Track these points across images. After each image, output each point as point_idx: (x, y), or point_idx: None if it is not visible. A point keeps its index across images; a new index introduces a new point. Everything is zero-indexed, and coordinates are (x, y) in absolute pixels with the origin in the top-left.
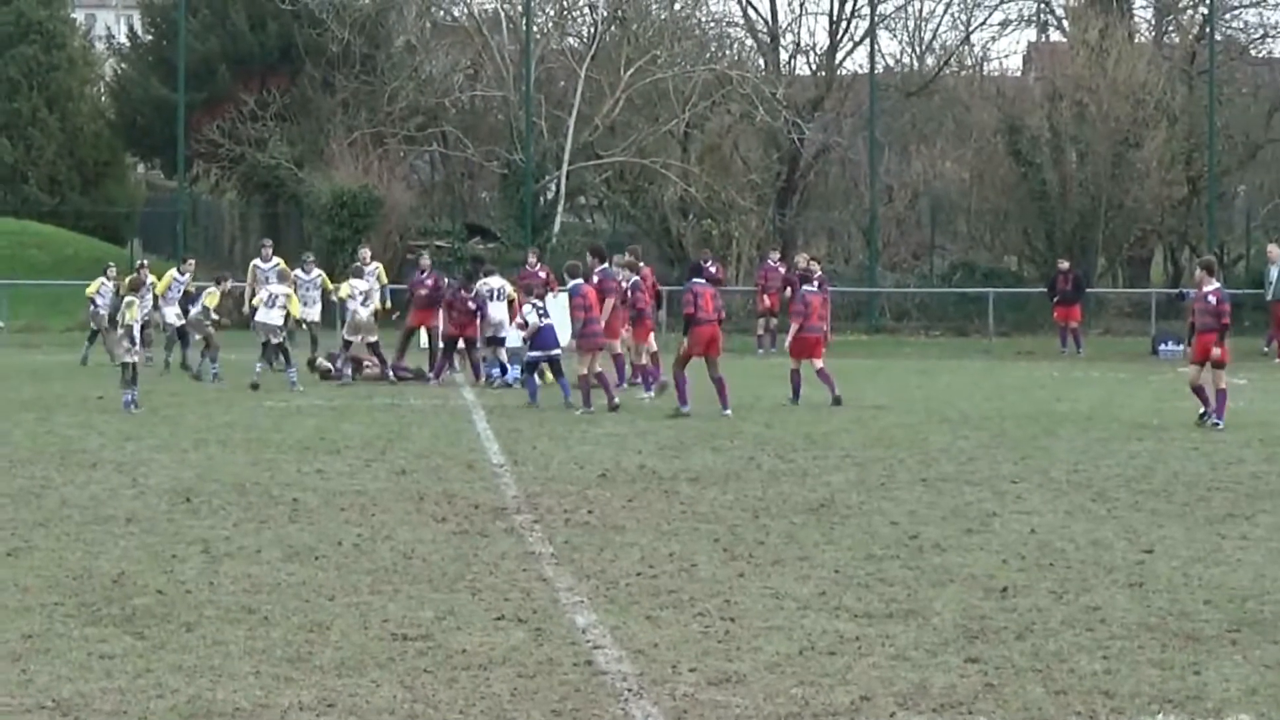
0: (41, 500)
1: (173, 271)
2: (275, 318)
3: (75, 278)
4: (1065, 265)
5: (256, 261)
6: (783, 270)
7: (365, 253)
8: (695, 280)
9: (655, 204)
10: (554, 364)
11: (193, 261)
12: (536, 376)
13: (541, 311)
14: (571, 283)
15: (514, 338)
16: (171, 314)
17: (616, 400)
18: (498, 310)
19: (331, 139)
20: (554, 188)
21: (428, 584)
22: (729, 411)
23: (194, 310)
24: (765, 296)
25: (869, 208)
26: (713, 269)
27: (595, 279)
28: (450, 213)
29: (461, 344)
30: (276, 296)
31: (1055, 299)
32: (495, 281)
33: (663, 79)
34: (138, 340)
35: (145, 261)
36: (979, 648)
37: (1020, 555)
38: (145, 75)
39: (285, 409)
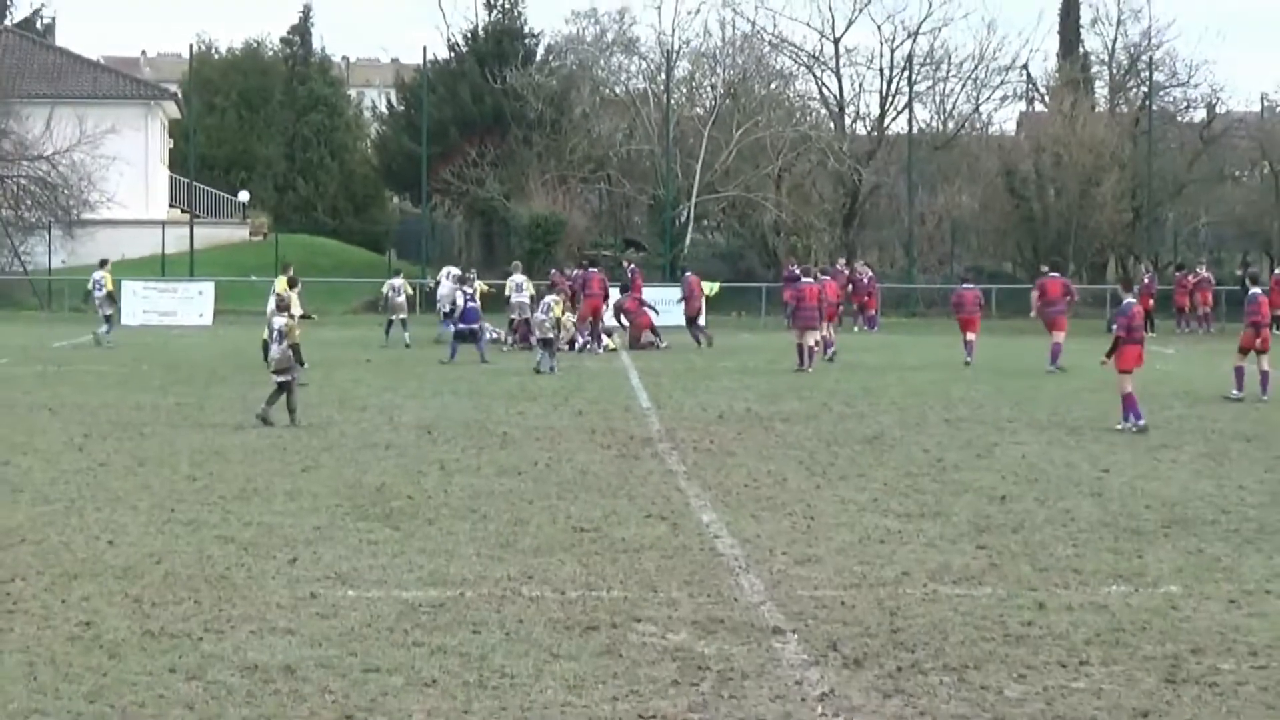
0: (326, 433)
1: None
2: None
3: (349, 276)
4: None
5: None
6: (846, 272)
7: (517, 264)
8: (804, 280)
9: (757, 225)
10: (475, 335)
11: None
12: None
13: (469, 296)
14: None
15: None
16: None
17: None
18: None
19: (530, 179)
20: (686, 213)
21: (598, 492)
22: (809, 370)
23: (541, 316)
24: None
25: (908, 228)
26: (797, 272)
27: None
28: (613, 231)
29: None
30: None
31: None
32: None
33: (762, 136)
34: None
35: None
36: (985, 538)
37: (1015, 474)
38: (399, 134)
39: (498, 370)
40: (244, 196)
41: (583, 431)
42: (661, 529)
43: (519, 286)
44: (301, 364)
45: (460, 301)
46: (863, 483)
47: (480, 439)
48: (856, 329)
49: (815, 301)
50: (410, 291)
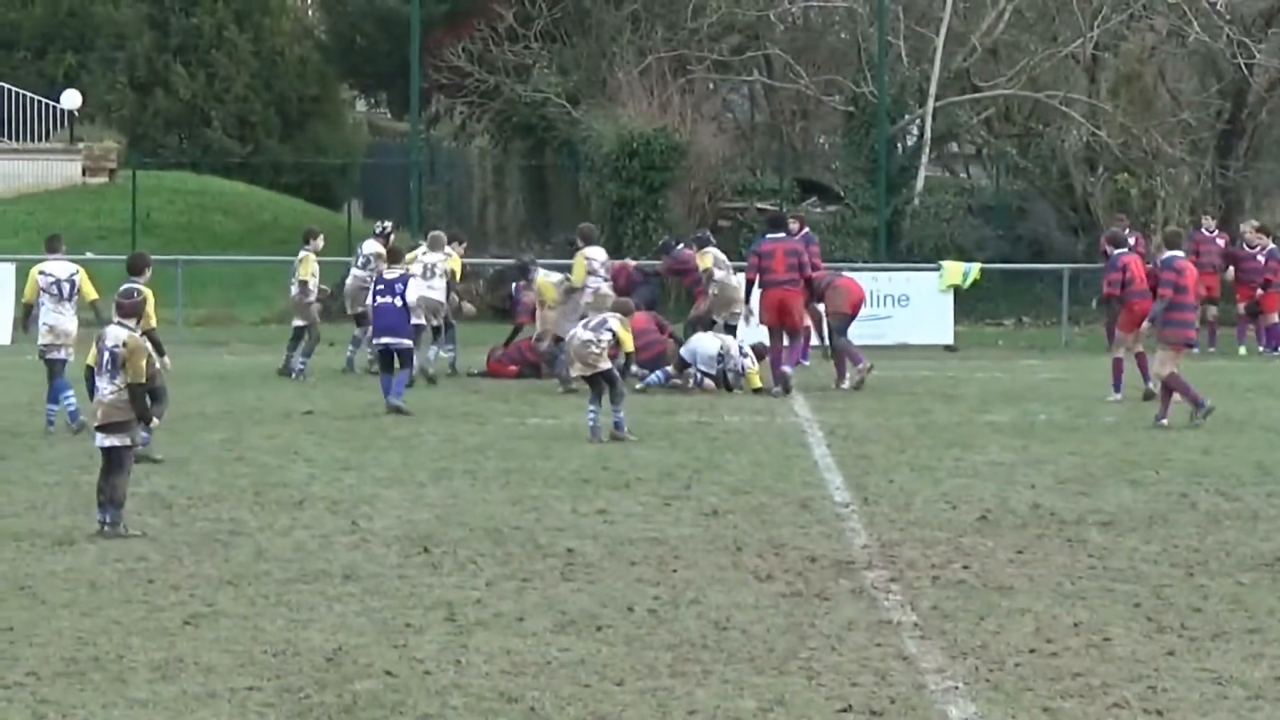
0: (230, 551)
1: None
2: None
3: (274, 252)
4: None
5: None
6: (1222, 242)
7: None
8: (1171, 255)
9: (1053, 153)
10: (404, 356)
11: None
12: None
13: (387, 285)
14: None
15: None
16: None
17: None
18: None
19: (617, 67)
20: (916, 131)
21: (748, 664)
22: (1164, 421)
23: (586, 335)
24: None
25: None
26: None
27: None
28: (777, 165)
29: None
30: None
31: None
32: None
33: None
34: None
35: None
36: None
37: None
38: None
39: (555, 428)
40: (72, 101)
41: (720, 548)
42: None
43: (429, 267)
44: (146, 422)
45: (370, 295)
46: (1256, 645)
47: (524, 563)
48: (1245, 349)
49: (1194, 297)
50: (310, 278)
